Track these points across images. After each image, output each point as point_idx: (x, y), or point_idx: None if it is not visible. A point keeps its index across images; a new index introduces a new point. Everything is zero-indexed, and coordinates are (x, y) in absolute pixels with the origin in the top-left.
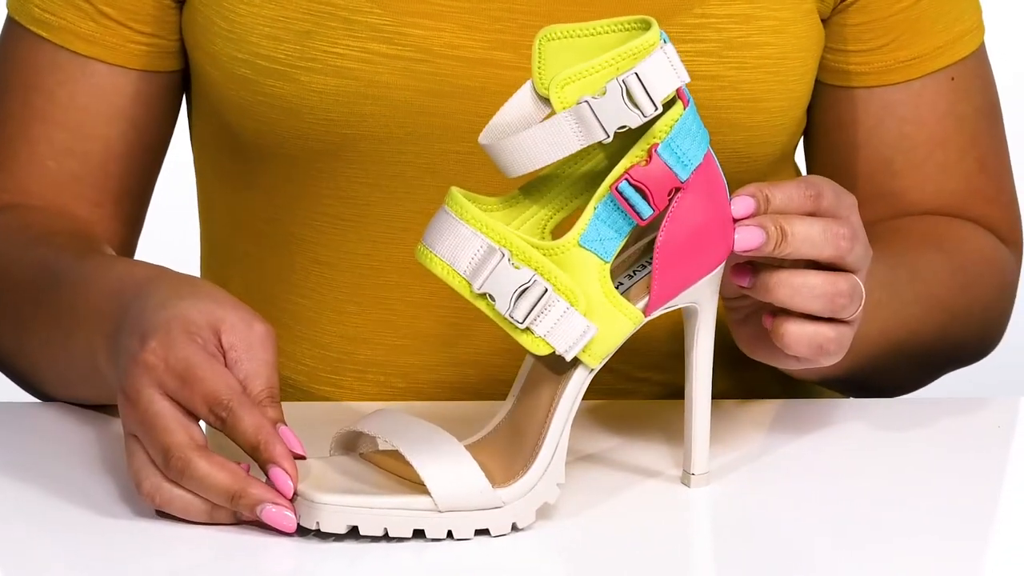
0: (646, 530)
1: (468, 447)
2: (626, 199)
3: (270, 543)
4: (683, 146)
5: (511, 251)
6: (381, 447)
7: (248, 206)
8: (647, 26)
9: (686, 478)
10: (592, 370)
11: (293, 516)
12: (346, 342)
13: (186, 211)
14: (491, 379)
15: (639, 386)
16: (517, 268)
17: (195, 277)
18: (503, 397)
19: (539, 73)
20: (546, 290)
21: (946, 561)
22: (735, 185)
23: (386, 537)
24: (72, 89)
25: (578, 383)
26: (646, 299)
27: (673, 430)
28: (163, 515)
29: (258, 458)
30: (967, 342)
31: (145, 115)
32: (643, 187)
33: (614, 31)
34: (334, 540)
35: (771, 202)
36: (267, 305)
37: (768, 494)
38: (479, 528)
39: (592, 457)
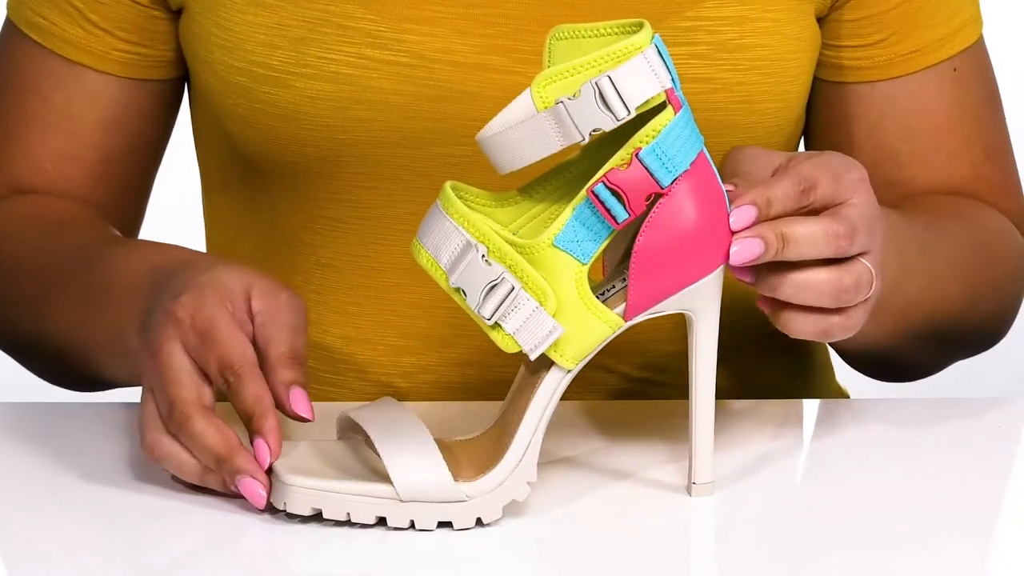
0: (647, 531)
1: (458, 444)
2: (602, 202)
3: (247, 524)
4: (669, 152)
5: (488, 247)
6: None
7: (250, 210)
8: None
9: (690, 488)
10: (568, 372)
11: (264, 493)
12: (347, 343)
13: (188, 214)
14: (491, 380)
15: (639, 386)
16: (488, 264)
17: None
18: (503, 397)
19: None
20: (513, 288)
21: (948, 561)
22: None
23: (351, 523)
24: (67, 96)
25: (552, 384)
26: (624, 304)
27: (675, 431)
28: (154, 513)
29: (250, 428)
30: (990, 314)
31: (140, 122)
32: (620, 191)
33: (616, 33)
34: (299, 522)
35: (772, 206)
36: None
37: (768, 495)
38: (442, 520)
39: (591, 458)
